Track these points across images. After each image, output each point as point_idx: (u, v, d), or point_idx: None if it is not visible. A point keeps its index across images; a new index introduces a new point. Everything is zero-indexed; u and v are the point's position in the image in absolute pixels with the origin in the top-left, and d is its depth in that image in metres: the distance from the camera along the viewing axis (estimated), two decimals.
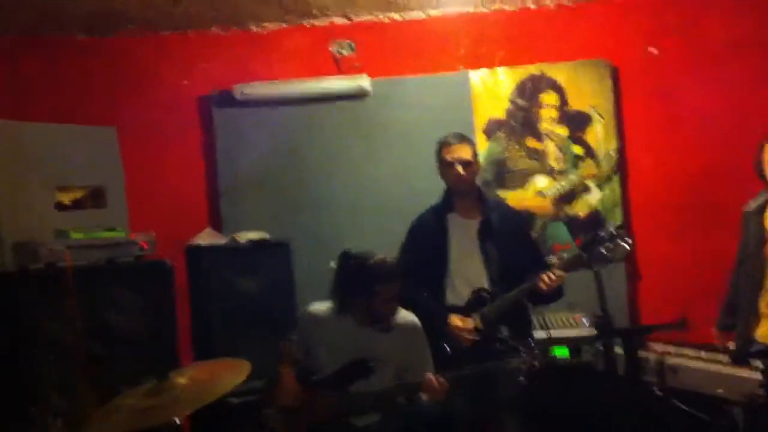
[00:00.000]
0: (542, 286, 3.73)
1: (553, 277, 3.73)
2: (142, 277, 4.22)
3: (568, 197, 5.23)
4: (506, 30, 5.36)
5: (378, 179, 5.25)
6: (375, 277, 3.57)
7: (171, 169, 5.30)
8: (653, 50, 5.25)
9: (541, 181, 5.25)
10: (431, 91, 5.27)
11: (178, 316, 4.33)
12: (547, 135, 5.26)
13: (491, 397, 3.82)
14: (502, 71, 5.28)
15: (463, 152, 3.99)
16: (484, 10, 5.33)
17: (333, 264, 4.59)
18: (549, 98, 5.26)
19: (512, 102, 5.27)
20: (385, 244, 4.46)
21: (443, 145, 4.04)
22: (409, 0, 5.09)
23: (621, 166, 5.22)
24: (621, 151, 5.23)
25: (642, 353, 3.60)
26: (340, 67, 5.35)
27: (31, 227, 4.09)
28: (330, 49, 5.36)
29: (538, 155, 5.26)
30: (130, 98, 5.28)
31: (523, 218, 4.69)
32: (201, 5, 4.90)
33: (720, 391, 3.26)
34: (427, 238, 4.05)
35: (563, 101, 5.25)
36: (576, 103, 5.24)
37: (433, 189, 4.19)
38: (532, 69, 5.27)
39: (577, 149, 5.24)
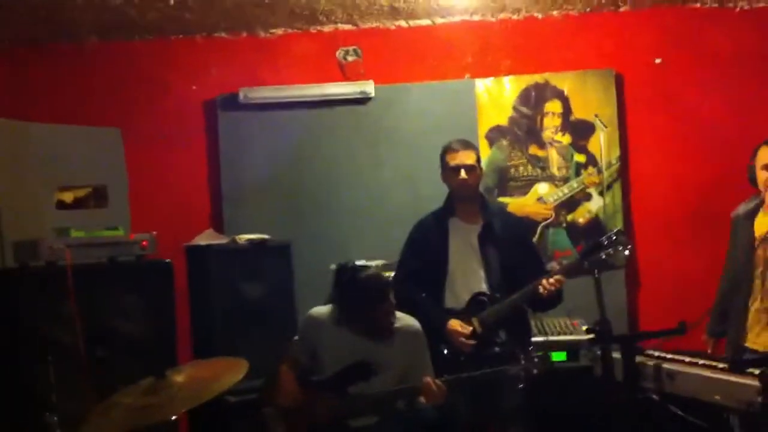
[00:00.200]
0: (541, 291, 3.74)
1: (552, 282, 3.74)
2: (142, 276, 4.23)
3: (569, 204, 5.24)
4: (512, 39, 5.38)
5: (381, 184, 5.27)
6: (368, 295, 3.58)
7: (175, 171, 5.33)
8: (659, 61, 5.27)
9: (542, 188, 5.26)
10: (436, 98, 5.29)
11: (177, 316, 4.34)
12: (550, 143, 5.27)
13: (490, 403, 3.82)
14: (506, 80, 5.30)
15: (467, 158, 4.00)
16: (491, 18, 5.35)
17: (333, 266, 4.63)
18: (553, 107, 5.27)
19: (516, 110, 5.28)
20: (387, 248, 4.52)
21: (447, 151, 4.06)
22: (416, 7, 5.11)
23: (623, 174, 5.23)
24: (623, 159, 5.24)
25: (640, 359, 3.59)
26: (345, 72, 5.37)
27: (33, 225, 4.11)
28: (336, 55, 5.39)
29: (541, 163, 5.27)
30: (137, 101, 5.33)
31: (524, 225, 4.71)
32: (209, 10, 4.93)
33: (717, 397, 3.23)
34: (428, 242, 4.07)
35: (567, 110, 5.27)
36: (580, 112, 5.26)
37: (437, 195, 4.21)
38: (537, 77, 5.29)
39: (580, 157, 5.25)
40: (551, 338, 4.50)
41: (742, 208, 3.97)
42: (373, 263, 4.58)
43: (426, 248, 4.05)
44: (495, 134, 5.28)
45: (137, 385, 2.98)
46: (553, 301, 3.85)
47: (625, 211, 5.23)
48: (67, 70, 5.30)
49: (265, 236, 4.73)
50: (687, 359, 3.51)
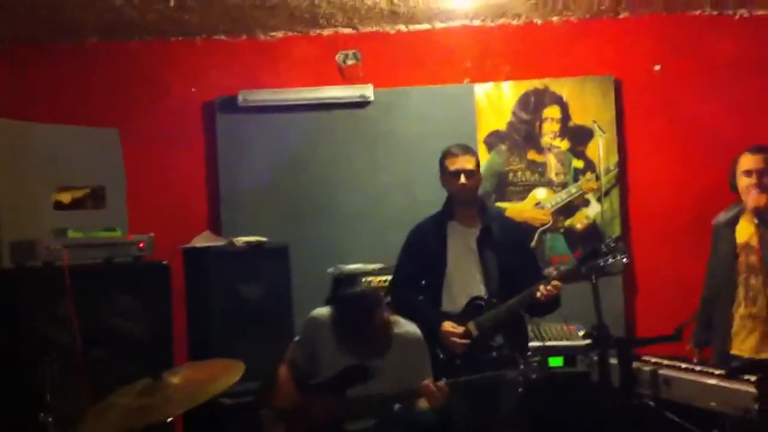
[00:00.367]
0: (538, 296, 3.74)
1: (549, 288, 3.74)
2: (139, 277, 4.22)
3: (566, 210, 5.25)
4: (511, 44, 5.39)
5: (380, 188, 5.27)
6: (359, 313, 3.56)
7: (173, 173, 5.33)
8: (659, 68, 5.28)
9: (540, 193, 5.26)
10: (435, 102, 5.30)
11: (174, 317, 4.34)
12: (548, 148, 5.28)
13: (488, 407, 3.82)
14: (506, 85, 5.31)
15: (467, 163, 4.00)
16: (490, 23, 5.36)
17: (331, 270, 4.64)
18: (552, 112, 5.28)
19: (515, 115, 5.29)
20: (384, 251, 4.52)
21: (447, 155, 4.05)
22: (416, 11, 5.11)
23: (621, 180, 5.24)
24: (622, 165, 5.25)
25: (636, 365, 3.60)
26: (344, 76, 5.38)
27: (30, 225, 4.10)
28: (335, 58, 5.39)
29: (539, 168, 5.28)
30: (136, 102, 5.33)
31: (523, 230, 4.70)
32: (209, 12, 4.93)
33: (713, 404, 3.24)
34: (427, 245, 4.06)
35: (566, 115, 5.27)
36: (578, 118, 5.26)
37: (435, 199, 4.21)
38: (536, 83, 5.30)
39: (578, 163, 5.26)
40: (548, 343, 4.52)
41: (722, 216, 4.01)
42: (370, 267, 4.60)
43: (424, 252, 4.05)
44: (494, 139, 5.29)
45: (133, 386, 2.99)
46: (550, 306, 3.86)
47: (623, 217, 5.24)
48: (67, 70, 5.30)
49: (263, 238, 4.73)
50: (683, 365, 3.52)
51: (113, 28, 5.12)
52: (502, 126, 5.29)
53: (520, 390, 3.61)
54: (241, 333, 4.46)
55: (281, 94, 5.28)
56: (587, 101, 5.26)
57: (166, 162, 5.32)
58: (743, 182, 3.87)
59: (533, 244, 5.08)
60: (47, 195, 4.28)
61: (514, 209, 5.19)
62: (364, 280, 4.15)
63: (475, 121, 5.28)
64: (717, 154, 5.05)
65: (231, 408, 4.10)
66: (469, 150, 4.09)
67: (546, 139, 5.28)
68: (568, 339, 4.56)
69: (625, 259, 3.70)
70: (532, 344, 4.29)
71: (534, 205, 5.26)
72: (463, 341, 3.81)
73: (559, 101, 5.28)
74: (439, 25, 5.37)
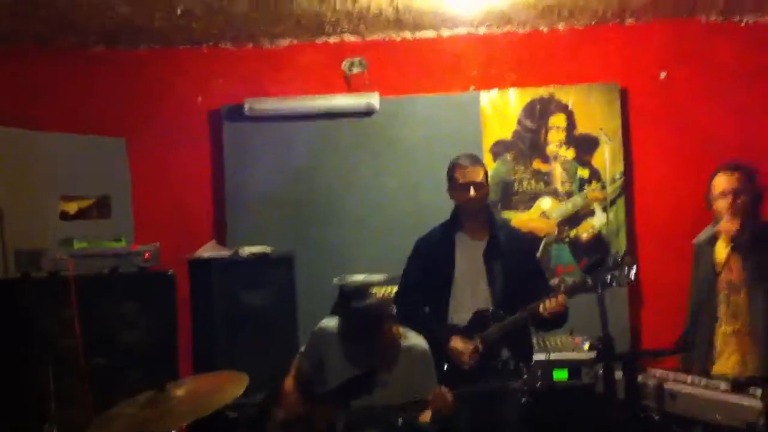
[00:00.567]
0: (543, 311, 3.71)
1: (555, 302, 3.71)
2: (144, 287, 4.24)
3: (572, 219, 5.24)
4: (517, 52, 5.38)
5: (385, 196, 5.27)
6: (367, 328, 3.55)
7: (179, 182, 5.35)
8: (664, 75, 5.26)
9: (545, 203, 5.26)
10: (441, 110, 5.30)
11: (179, 327, 4.34)
12: (554, 157, 5.27)
13: (492, 417, 3.79)
14: (511, 92, 5.30)
15: (476, 174, 3.96)
16: (496, 31, 5.36)
17: (337, 280, 4.63)
18: (557, 120, 5.27)
19: (520, 123, 5.28)
20: (389, 260, 4.51)
21: (456, 167, 4.00)
22: (421, 19, 5.11)
23: (627, 190, 5.23)
24: (628, 174, 5.23)
25: (641, 378, 3.58)
26: (350, 84, 5.38)
27: (36, 235, 4.12)
28: (341, 66, 5.39)
29: (545, 177, 5.27)
30: (142, 110, 5.35)
31: (530, 241, 4.68)
32: (215, 21, 4.94)
33: (718, 417, 3.23)
34: (434, 256, 4.04)
35: (571, 124, 5.26)
36: (584, 126, 5.25)
37: (440, 207, 4.18)
38: (542, 91, 5.29)
39: (584, 172, 5.25)
40: (553, 356, 4.50)
41: (702, 236, 3.99)
42: (374, 277, 4.58)
43: (432, 263, 4.03)
44: (499, 148, 5.28)
45: (137, 398, 2.99)
46: (557, 321, 3.83)
47: (629, 226, 5.22)
48: (74, 78, 5.33)
49: (268, 249, 4.72)
50: (689, 379, 3.50)
51: (120, 35, 5.14)
52: (507, 135, 5.29)
53: (524, 401, 3.59)
54: (246, 343, 4.47)
55: (287, 103, 5.29)
56: (593, 109, 5.25)
57: (171, 170, 5.33)
58: (719, 203, 3.85)
59: (538, 254, 5.07)
60: (53, 204, 4.29)
61: (520, 219, 5.18)
62: (372, 292, 4.13)
63: (481, 129, 5.28)
64: (724, 162, 5.05)
65: (235, 420, 4.10)
66: (477, 161, 4.06)
67: (551, 148, 5.27)
68: (573, 351, 4.55)
69: (632, 276, 3.65)
70: (537, 356, 4.26)
71: (539, 215, 5.25)
72: (474, 360, 3.79)
73: (564, 109, 5.27)
74: (444, 32, 5.37)
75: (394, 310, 3.69)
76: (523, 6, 4.93)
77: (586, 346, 4.41)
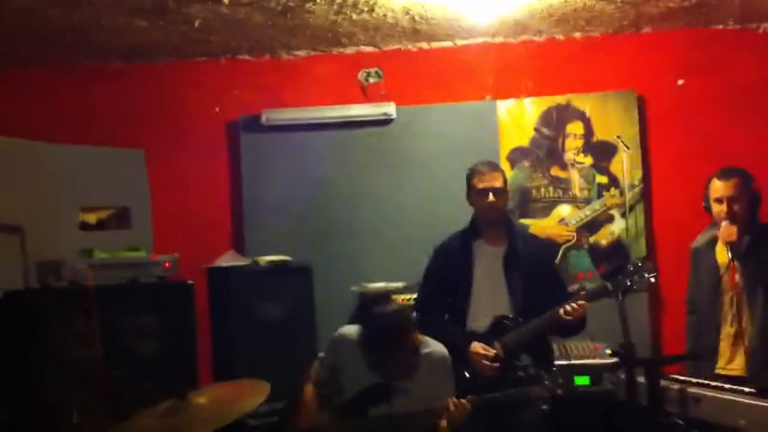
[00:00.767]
0: (564, 316, 3.70)
1: (575, 307, 3.70)
2: (164, 297, 4.26)
3: (591, 226, 5.22)
4: (533, 60, 5.39)
5: (402, 206, 5.27)
6: (389, 337, 3.53)
7: (197, 192, 5.36)
8: (681, 83, 5.25)
9: (564, 209, 5.24)
10: (457, 119, 5.30)
11: (199, 337, 4.35)
12: (571, 164, 5.26)
13: (513, 424, 3.77)
14: (528, 101, 5.30)
15: (495, 181, 3.96)
16: (512, 40, 5.36)
17: (356, 288, 4.63)
18: (574, 128, 5.27)
19: (537, 131, 5.28)
20: (407, 269, 4.51)
21: (475, 173, 4.00)
22: (437, 29, 5.12)
23: (646, 196, 5.21)
24: (646, 180, 5.22)
25: (664, 383, 3.55)
26: (367, 94, 5.39)
27: (56, 246, 4.14)
28: (358, 76, 5.40)
29: (563, 184, 5.26)
30: (161, 123, 5.38)
31: (549, 248, 4.67)
32: (233, 33, 4.96)
33: (742, 422, 3.19)
34: (453, 263, 4.03)
35: (589, 131, 5.26)
36: (602, 133, 5.25)
37: (458, 216, 4.17)
38: (559, 99, 5.29)
39: (602, 178, 5.24)
40: (574, 362, 4.47)
41: (701, 239, 3.99)
42: (393, 285, 4.58)
43: (451, 271, 4.02)
44: (517, 155, 5.28)
45: (158, 407, 2.99)
46: (575, 327, 3.81)
47: (648, 232, 5.21)
48: (93, 92, 5.36)
49: (286, 258, 4.74)
50: (713, 383, 3.47)
51: (138, 49, 5.17)
52: (524, 142, 5.29)
53: (544, 407, 3.57)
54: (265, 351, 4.47)
55: (304, 113, 5.31)
56: (610, 116, 5.24)
57: (190, 181, 5.35)
58: (715, 209, 3.86)
59: (557, 260, 5.05)
60: (73, 215, 4.32)
61: (538, 226, 5.18)
62: (393, 299, 4.12)
63: (498, 138, 5.28)
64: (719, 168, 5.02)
65: (257, 429, 4.09)
66: (496, 167, 4.06)
67: (569, 155, 5.27)
68: (594, 357, 4.53)
69: (653, 279, 3.65)
70: (558, 363, 4.25)
71: (558, 222, 5.24)
72: (494, 365, 3.77)
73: (581, 117, 5.27)
74: (460, 42, 5.38)
75: (415, 317, 3.67)
76: (539, 15, 4.92)
77: (608, 351, 4.38)
